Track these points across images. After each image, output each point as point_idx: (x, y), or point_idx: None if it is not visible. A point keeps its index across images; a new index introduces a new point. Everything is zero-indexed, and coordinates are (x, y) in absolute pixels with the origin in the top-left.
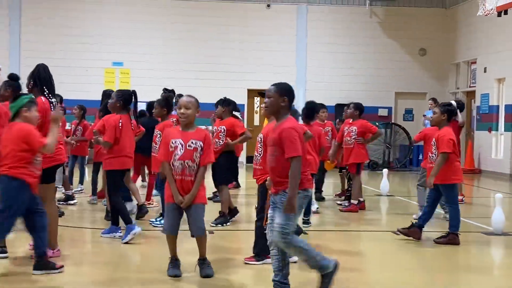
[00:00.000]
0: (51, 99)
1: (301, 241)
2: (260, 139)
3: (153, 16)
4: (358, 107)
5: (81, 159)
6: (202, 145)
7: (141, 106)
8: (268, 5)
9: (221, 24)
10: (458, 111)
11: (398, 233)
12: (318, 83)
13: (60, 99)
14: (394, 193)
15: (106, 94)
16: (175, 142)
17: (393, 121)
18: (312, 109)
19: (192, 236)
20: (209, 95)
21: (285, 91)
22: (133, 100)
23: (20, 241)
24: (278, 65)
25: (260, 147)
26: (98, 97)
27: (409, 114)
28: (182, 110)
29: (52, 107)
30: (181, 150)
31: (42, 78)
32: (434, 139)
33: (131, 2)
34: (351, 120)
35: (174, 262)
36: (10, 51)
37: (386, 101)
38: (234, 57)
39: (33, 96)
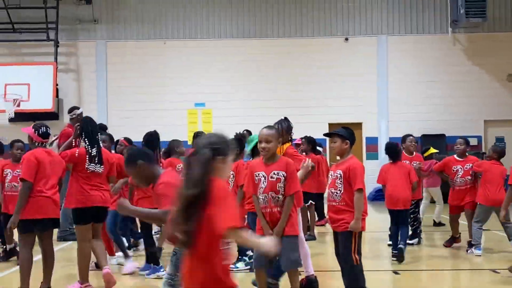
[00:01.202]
0: (90, 150)
1: None
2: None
3: (233, 56)
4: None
5: None
6: (285, 174)
7: None
8: (346, 39)
9: (300, 60)
10: None
11: (498, 271)
12: (401, 114)
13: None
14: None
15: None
16: (258, 175)
17: (483, 151)
18: (390, 148)
19: (283, 271)
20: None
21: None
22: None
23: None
24: (359, 97)
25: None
26: (182, 138)
27: (500, 142)
28: (263, 145)
29: (88, 156)
30: (264, 183)
31: (85, 131)
32: None
33: (211, 45)
34: (460, 157)
35: None
36: (98, 96)
37: (475, 130)
38: (314, 92)
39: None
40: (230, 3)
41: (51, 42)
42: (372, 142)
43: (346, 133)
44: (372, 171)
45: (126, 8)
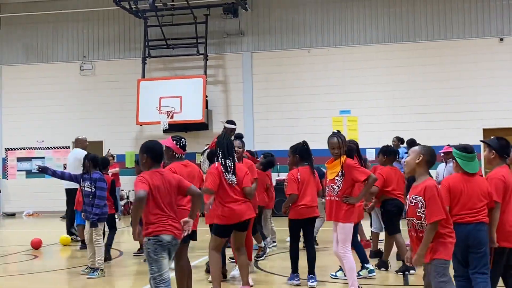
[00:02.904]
0: (224, 162)
1: None
2: None
3: (379, 62)
4: None
5: None
6: (423, 199)
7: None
8: (501, 39)
9: (451, 63)
10: None
11: None
12: None
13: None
14: None
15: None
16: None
17: None
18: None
19: None
20: (441, 138)
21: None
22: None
23: None
24: None
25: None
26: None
27: None
28: None
29: (224, 169)
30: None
31: (219, 144)
32: None
33: (355, 51)
34: None
35: None
36: (244, 106)
37: None
38: (466, 96)
39: None
40: (374, 8)
41: (200, 56)
42: None
43: (494, 143)
44: None
45: (270, 19)
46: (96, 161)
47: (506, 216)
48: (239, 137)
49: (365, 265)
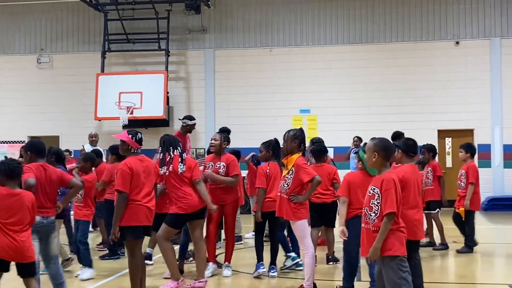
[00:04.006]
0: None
1: None
2: None
3: (338, 63)
4: None
5: None
6: (379, 192)
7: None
8: (457, 42)
9: (408, 65)
10: None
11: None
12: None
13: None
14: None
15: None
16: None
17: None
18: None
19: None
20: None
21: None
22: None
23: None
24: (470, 103)
25: None
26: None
27: None
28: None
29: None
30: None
31: (166, 140)
32: None
33: (316, 51)
34: None
35: None
36: (206, 103)
37: None
38: (423, 98)
39: None
40: (335, 9)
41: (162, 51)
42: (485, 149)
43: (400, 143)
44: (485, 180)
45: (233, 17)
46: (60, 155)
47: (406, 211)
48: (224, 130)
49: (288, 254)
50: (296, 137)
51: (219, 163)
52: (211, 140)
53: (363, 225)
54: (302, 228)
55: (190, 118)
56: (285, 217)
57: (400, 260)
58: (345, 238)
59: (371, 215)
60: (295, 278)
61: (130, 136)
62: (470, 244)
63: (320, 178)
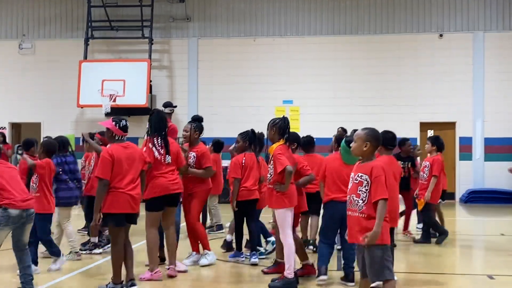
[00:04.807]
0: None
1: None
2: None
3: (322, 54)
4: None
5: None
6: (369, 178)
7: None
8: (441, 35)
9: (392, 57)
10: None
11: None
12: (498, 113)
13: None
14: None
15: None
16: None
17: None
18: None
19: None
20: (380, 130)
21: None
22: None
23: None
24: (452, 96)
25: None
26: None
27: None
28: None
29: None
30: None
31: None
32: None
33: (300, 42)
34: None
35: None
36: (189, 92)
37: None
38: (406, 90)
39: None
40: (320, 0)
41: (145, 39)
42: (466, 142)
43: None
44: (466, 173)
45: (217, 6)
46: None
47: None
48: (196, 119)
49: (268, 239)
50: (275, 124)
51: (191, 153)
52: (183, 131)
53: (349, 212)
54: (283, 217)
55: (171, 104)
56: (268, 205)
57: (385, 248)
58: None
59: (359, 202)
60: None
61: (114, 123)
62: (427, 235)
63: (291, 168)
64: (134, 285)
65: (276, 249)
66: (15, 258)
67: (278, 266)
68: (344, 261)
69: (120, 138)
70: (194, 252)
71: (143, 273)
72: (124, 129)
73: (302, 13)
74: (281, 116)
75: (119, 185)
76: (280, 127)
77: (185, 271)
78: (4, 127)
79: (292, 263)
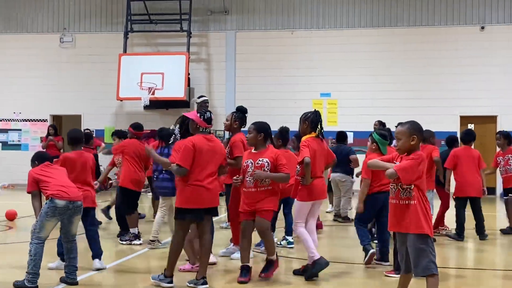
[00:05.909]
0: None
1: None
2: None
3: (361, 46)
4: None
5: None
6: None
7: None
8: (482, 27)
9: (432, 50)
10: None
11: None
12: None
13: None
14: None
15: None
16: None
17: None
18: None
19: None
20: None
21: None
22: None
23: None
24: (493, 89)
25: None
26: None
27: None
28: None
29: None
30: None
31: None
32: None
33: (338, 34)
34: None
35: None
36: (226, 85)
37: None
38: (446, 83)
39: None
40: None
41: (184, 33)
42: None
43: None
44: None
45: None
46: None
47: None
48: (238, 110)
49: (286, 237)
50: (307, 118)
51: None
52: (225, 120)
53: (393, 201)
54: (298, 208)
55: (202, 96)
56: (291, 195)
57: (430, 240)
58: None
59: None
60: (286, 256)
61: (198, 115)
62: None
63: (309, 160)
64: (205, 283)
65: (265, 247)
66: (63, 248)
67: (273, 264)
68: (381, 243)
69: (204, 129)
70: (232, 244)
71: (183, 265)
72: (209, 121)
73: (340, 6)
74: (313, 110)
75: (198, 177)
76: (312, 120)
77: (214, 263)
78: (46, 120)
79: (311, 246)
